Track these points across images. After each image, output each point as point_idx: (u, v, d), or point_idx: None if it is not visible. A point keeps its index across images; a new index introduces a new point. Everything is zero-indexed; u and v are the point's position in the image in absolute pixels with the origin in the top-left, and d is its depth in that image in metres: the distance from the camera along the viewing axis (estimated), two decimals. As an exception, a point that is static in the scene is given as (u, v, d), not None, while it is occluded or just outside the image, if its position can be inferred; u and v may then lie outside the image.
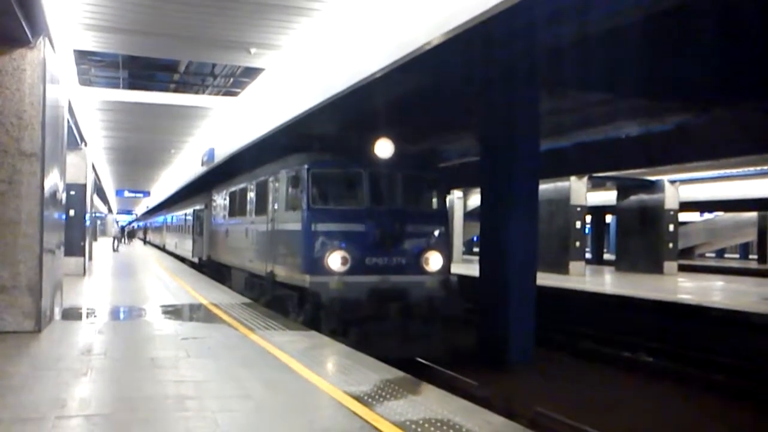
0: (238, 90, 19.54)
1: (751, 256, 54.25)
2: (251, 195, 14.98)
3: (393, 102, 11.83)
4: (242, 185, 16.23)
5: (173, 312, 11.81)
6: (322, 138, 12.38)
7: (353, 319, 10.16)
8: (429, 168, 12.40)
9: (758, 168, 22.55)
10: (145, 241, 62.14)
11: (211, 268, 21.28)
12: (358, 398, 5.87)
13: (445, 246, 11.57)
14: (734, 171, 24.17)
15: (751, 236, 45.76)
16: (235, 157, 17.93)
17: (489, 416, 5.44)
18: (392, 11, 8.64)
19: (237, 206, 16.83)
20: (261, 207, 13.79)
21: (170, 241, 38.90)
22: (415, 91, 11.68)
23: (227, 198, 18.43)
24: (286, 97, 13.20)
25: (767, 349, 12.86)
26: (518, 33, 7.77)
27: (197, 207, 25.33)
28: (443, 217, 11.98)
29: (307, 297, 10.91)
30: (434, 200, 12.05)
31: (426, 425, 5.12)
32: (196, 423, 5.09)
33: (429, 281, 11.05)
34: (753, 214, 40.70)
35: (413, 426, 5.09)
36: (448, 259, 11.42)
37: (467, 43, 7.40)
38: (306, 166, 11.24)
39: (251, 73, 16.92)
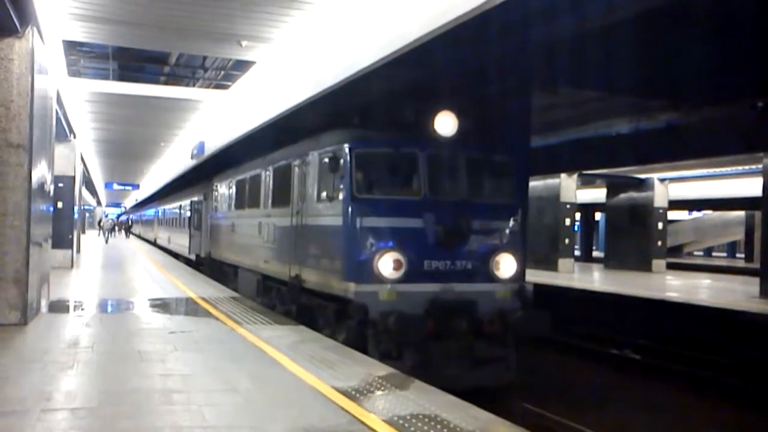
0: (229, 83, 19.46)
1: (738, 255, 54.71)
2: (267, 183, 12.70)
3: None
4: (254, 172, 13.92)
5: (161, 305, 11.75)
6: (365, 110, 10.53)
7: (410, 339, 8.35)
8: (501, 149, 10.02)
9: (746, 167, 22.69)
10: (127, 234, 59.39)
11: (212, 267, 18.91)
12: (345, 393, 5.86)
13: (519, 247, 9.53)
14: (723, 170, 24.31)
15: (739, 235, 46.15)
16: (239, 143, 17.19)
17: (476, 411, 5.45)
18: (385, 5, 8.62)
19: (247, 197, 14.50)
20: (281, 197, 11.58)
21: (162, 235, 36.04)
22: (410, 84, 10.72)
23: (234, 187, 16.05)
24: (278, 91, 13.15)
25: (749, 345, 12.96)
26: (510, 29, 7.75)
27: (195, 198, 22.76)
28: (518, 210, 9.83)
29: (349, 310, 8.67)
30: (507, 189, 9.90)
31: (413, 420, 5.12)
32: (183, 417, 5.07)
33: (500, 290, 9.06)
34: (740, 213, 41.03)
35: (401, 421, 5.09)
36: (522, 263, 9.45)
37: (459, 38, 7.38)
38: (348, 146, 8.95)
39: (242, 66, 16.84)
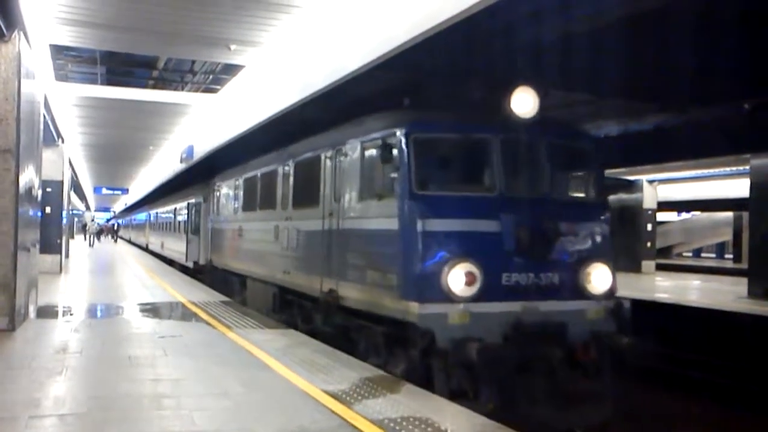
0: (218, 87, 19.42)
1: (726, 256, 55.04)
2: (287, 180, 11.04)
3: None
4: (268, 168, 12.26)
5: (151, 310, 11.70)
6: (422, 86, 8.84)
7: (490, 373, 6.55)
8: (582, 135, 8.46)
9: (734, 168, 22.86)
10: (115, 239, 57.70)
11: (214, 277, 17.05)
12: (336, 397, 5.85)
13: (610, 254, 7.88)
14: (711, 171, 24.48)
15: (727, 236, 46.42)
16: (229, 147, 16.81)
17: (468, 415, 5.46)
18: (373, 9, 8.63)
19: (259, 197, 12.87)
20: (307, 196, 9.87)
21: (155, 240, 34.00)
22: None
23: (241, 187, 14.35)
24: (267, 94, 13.14)
25: (735, 345, 13.06)
26: (498, 32, 7.79)
27: (192, 200, 20.94)
28: (605, 209, 8.27)
29: (409, 336, 6.91)
30: (593, 184, 8.26)
31: (404, 423, 5.12)
32: (173, 422, 5.05)
33: (592, 309, 7.35)
34: (729, 214, 41.28)
35: (392, 424, 5.08)
36: (614, 275, 7.67)
37: (446, 41, 7.41)
38: (404, 130, 7.28)
39: (231, 69, 16.82)
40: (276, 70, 12.64)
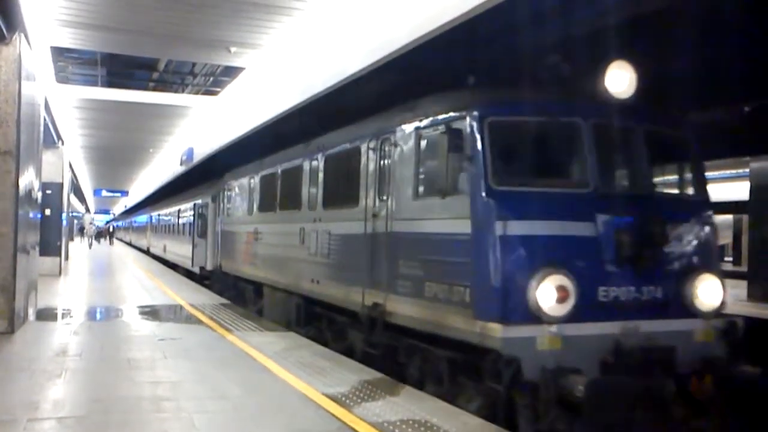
0: (218, 89, 19.44)
1: (726, 258, 55.05)
2: (315, 176, 9.79)
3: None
4: (291, 163, 11.01)
5: (150, 313, 11.69)
6: (494, 61, 7.64)
7: (599, 413, 5.31)
8: (681, 120, 7.21)
9: (733, 171, 22.88)
10: (111, 241, 56.46)
11: (224, 284, 15.87)
12: (335, 399, 5.85)
13: (718, 262, 6.88)
14: (710, 174, 24.49)
15: (726, 239, 46.44)
16: (229, 149, 16.75)
17: (466, 417, 5.45)
18: (373, 11, 8.64)
19: (280, 196, 11.58)
20: (343, 194, 8.75)
21: (157, 243, 32.67)
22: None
23: (258, 185, 13.01)
24: (267, 96, 13.15)
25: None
26: (498, 34, 7.79)
27: (199, 201, 19.58)
28: (709, 208, 6.92)
29: (484, 365, 5.85)
30: (693, 178, 7.06)
31: (403, 426, 5.11)
32: (173, 424, 5.04)
33: (701, 330, 6.12)
34: (728, 217, 41.31)
35: (391, 427, 5.08)
36: (724, 287, 6.38)
37: (447, 43, 7.41)
38: (477, 112, 6.10)
39: (231, 72, 16.84)
40: (276, 72, 12.65)
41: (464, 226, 6.04)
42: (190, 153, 21.60)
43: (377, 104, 8.38)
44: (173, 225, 26.36)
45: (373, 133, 7.96)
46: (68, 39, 12.47)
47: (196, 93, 21.43)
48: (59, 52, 15.99)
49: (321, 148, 9.73)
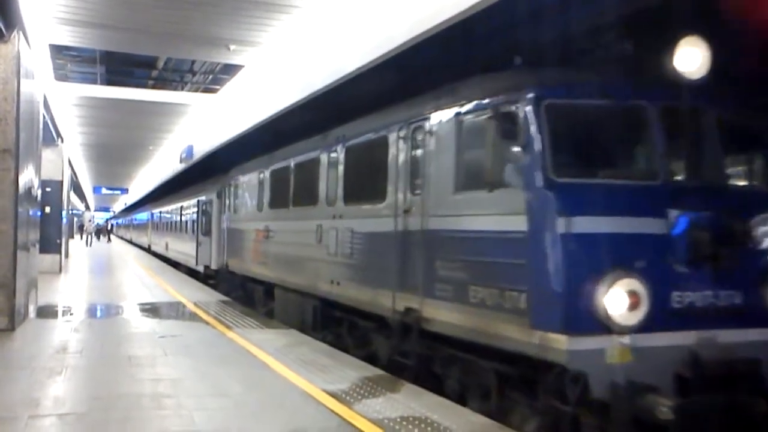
0: (218, 87, 19.44)
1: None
2: (334, 169, 9.08)
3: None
4: (306, 156, 10.33)
5: (150, 310, 11.71)
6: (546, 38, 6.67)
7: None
8: (755, 106, 6.23)
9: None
10: (109, 238, 55.25)
11: (230, 283, 15.23)
12: (336, 396, 5.86)
13: None
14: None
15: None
16: (228, 147, 16.56)
17: (467, 414, 5.47)
18: (372, 9, 8.64)
19: (293, 191, 10.90)
20: (367, 188, 8.15)
21: (158, 241, 31.90)
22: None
23: (268, 180, 12.32)
24: (267, 94, 13.15)
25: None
26: (497, 32, 7.79)
27: (203, 197, 18.93)
28: None
29: (545, 380, 5.24)
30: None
31: (404, 423, 5.12)
32: (173, 421, 5.05)
33: None
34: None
35: (391, 423, 5.09)
36: None
37: (446, 41, 7.40)
38: (533, 94, 5.44)
39: (231, 69, 16.83)
40: (276, 69, 12.64)
41: (518, 223, 5.34)
42: (189, 150, 21.60)
43: (406, 90, 7.63)
44: (175, 222, 25.76)
45: (403, 121, 7.23)
46: (67, 37, 12.47)
47: (196, 91, 21.43)
48: (58, 50, 16.00)
49: (341, 139, 8.97)
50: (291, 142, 11.35)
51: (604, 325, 4.89)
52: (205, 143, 19.25)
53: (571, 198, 5.15)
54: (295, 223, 10.62)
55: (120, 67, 23.18)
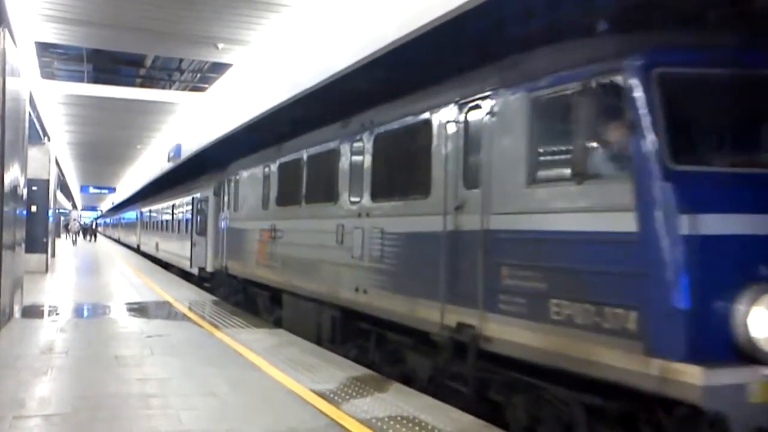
0: (206, 85, 19.35)
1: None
2: (360, 160, 7.99)
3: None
4: (323, 147, 9.24)
5: (138, 309, 11.64)
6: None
7: None
8: None
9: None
10: (93, 238, 53.87)
11: (230, 288, 14.20)
12: (324, 396, 5.85)
13: None
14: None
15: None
16: (217, 145, 16.23)
17: (455, 413, 5.46)
18: (361, 8, 8.63)
19: (306, 186, 9.81)
20: (403, 182, 7.14)
21: (148, 241, 30.73)
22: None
23: (275, 174, 11.22)
24: (255, 93, 13.10)
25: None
26: (487, 31, 7.80)
27: (198, 194, 17.77)
28: None
29: (666, 422, 4.25)
30: None
31: (392, 422, 5.12)
32: (160, 421, 5.02)
33: None
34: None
35: (379, 423, 5.09)
36: None
37: (435, 40, 7.40)
38: (640, 61, 4.41)
39: (219, 68, 16.75)
40: (265, 68, 12.60)
41: (624, 222, 4.29)
42: (177, 149, 21.50)
43: (452, 64, 6.62)
44: (167, 221, 24.59)
45: (452, 101, 6.13)
46: (53, 34, 12.37)
47: (184, 89, 21.30)
48: (44, 48, 15.85)
49: (368, 125, 7.85)
50: (302, 132, 10.31)
51: (746, 354, 3.94)
52: (194, 141, 19.16)
53: (695, 191, 4.14)
54: (308, 222, 9.52)
55: (107, 65, 22.97)
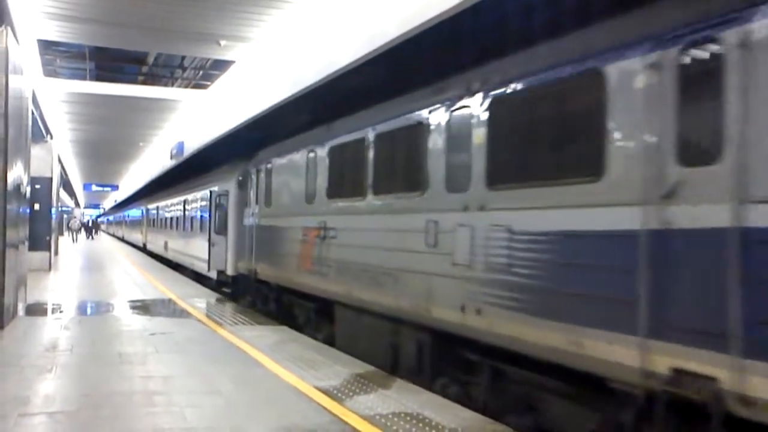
0: (208, 83, 19.34)
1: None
2: (458, 136, 6.22)
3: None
4: (398, 121, 7.31)
5: (141, 307, 11.65)
6: None
7: None
8: None
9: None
10: (90, 236, 53.43)
11: (259, 295, 12.40)
12: (327, 393, 5.85)
13: None
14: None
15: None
16: (220, 143, 15.97)
17: (458, 410, 5.46)
18: (363, 4, 8.61)
19: (373, 174, 7.82)
20: (554, 160, 5.17)
21: (156, 240, 28.77)
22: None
23: (324, 161, 9.21)
24: (258, 89, 13.09)
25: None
26: (488, 28, 7.79)
27: (216, 188, 15.75)
28: None
29: None
30: None
31: (395, 419, 5.12)
32: (164, 419, 5.03)
33: None
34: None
35: (383, 420, 5.09)
36: None
37: (436, 36, 7.39)
38: None
39: (221, 65, 16.74)
40: (267, 65, 12.59)
41: None
42: (180, 147, 21.50)
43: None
44: (177, 219, 22.65)
45: (662, 38, 4.21)
46: (55, 32, 12.36)
47: (186, 86, 21.29)
48: (47, 46, 15.84)
49: (480, 84, 5.95)
50: (363, 106, 8.48)
51: None
52: (197, 139, 19.15)
53: None
54: (378, 219, 7.62)
55: (110, 63, 22.96)
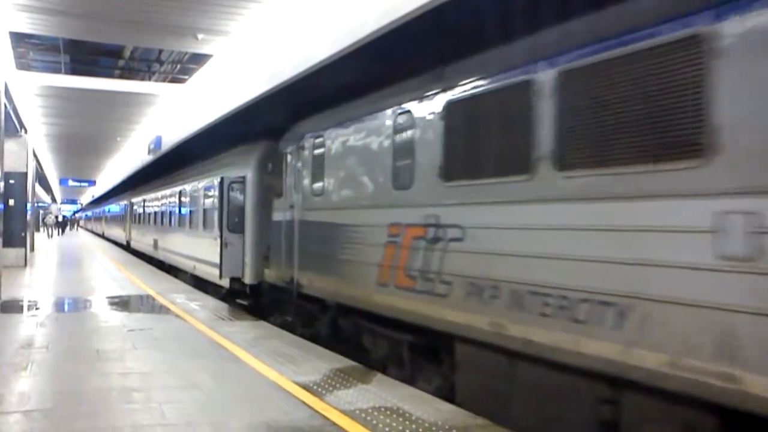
0: (186, 77, 19.15)
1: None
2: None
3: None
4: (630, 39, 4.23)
5: (119, 303, 11.54)
6: None
7: None
8: None
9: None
10: (62, 232, 52.14)
11: (301, 313, 9.53)
12: (307, 388, 5.84)
13: None
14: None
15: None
16: (198, 137, 15.99)
17: (438, 404, 5.49)
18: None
19: (557, 135, 4.78)
20: None
21: (142, 238, 25.75)
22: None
23: (437, 124, 6.24)
24: (235, 84, 12.98)
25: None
26: (468, 21, 7.78)
27: (230, 173, 12.56)
28: None
29: None
30: None
31: (375, 413, 5.13)
32: (143, 415, 4.99)
33: None
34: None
35: (363, 414, 5.09)
36: None
37: (416, 29, 7.37)
38: None
39: (199, 59, 16.59)
40: (245, 59, 12.48)
41: None
42: (158, 141, 21.28)
43: None
44: (170, 213, 19.60)
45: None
46: (27, 24, 12.15)
47: (163, 80, 21.07)
48: (19, 38, 15.58)
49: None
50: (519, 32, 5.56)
51: None
52: (174, 133, 18.96)
53: None
54: (572, 210, 4.68)
55: (85, 56, 22.64)
